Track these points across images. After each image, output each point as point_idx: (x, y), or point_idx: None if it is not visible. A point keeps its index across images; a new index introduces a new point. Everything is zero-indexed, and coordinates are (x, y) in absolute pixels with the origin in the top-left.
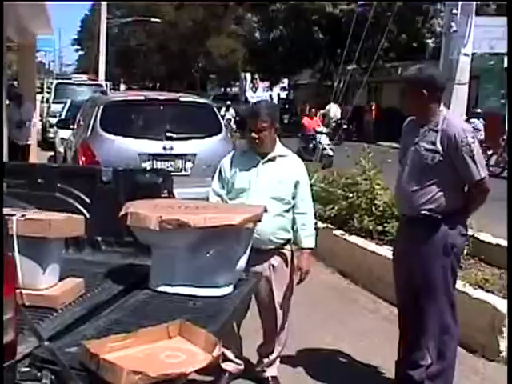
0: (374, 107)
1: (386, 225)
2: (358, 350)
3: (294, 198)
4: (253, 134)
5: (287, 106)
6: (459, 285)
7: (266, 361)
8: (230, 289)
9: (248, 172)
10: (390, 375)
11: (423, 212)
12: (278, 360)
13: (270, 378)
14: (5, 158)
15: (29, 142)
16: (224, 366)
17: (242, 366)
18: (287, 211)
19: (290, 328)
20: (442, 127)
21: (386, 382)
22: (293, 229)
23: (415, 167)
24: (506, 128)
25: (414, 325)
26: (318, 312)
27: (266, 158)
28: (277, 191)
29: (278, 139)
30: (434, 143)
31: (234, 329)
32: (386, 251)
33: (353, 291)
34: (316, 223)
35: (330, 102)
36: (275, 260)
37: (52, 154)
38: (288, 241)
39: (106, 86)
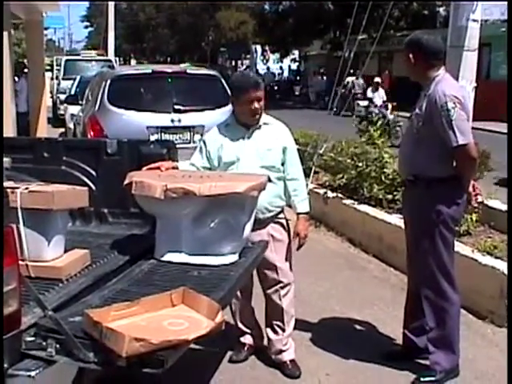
0: (385, 76)
1: (395, 193)
2: (367, 319)
3: (283, 165)
4: (255, 105)
5: (298, 78)
6: (468, 251)
7: (278, 339)
8: (235, 257)
9: (235, 144)
10: (399, 343)
11: (410, 178)
12: (291, 340)
13: (288, 362)
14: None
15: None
16: (242, 339)
17: (262, 340)
18: (279, 179)
19: (297, 296)
20: (429, 92)
21: (396, 349)
22: (285, 195)
23: (408, 133)
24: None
25: (413, 291)
26: (326, 281)
27: (252, 128)
28: (266, 159)
29: None
30: (420, 108)
31: (246, 300)
32: (396, 219)
33: (363, 260)
34: (326, 192)
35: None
36: (273, 229)
37: (63, 130)
38: (282, 208)
39: (116, 61)
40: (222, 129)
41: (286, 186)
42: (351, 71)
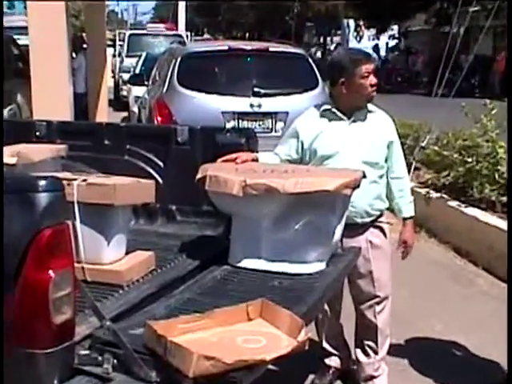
0: (501, 57)
1: None
2: (474, 342)
3: (386, 161)
4: (372, 78)
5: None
6: None
7: (370, 363)
8: (322, 265)
9: (335, 134)
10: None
11: None
12: (384, 364)
13: None
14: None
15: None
16: (327, 361)
17: (350, 363)
18: (381, 177)
19: (393, 314)
20: None
21: (504, 379)
22: (387, 197)
23: None
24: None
25: None
26: (427, 296)
27: (355, 117)
28: (369, 155)
29: None
30: None
31: (334, 316)
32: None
33: (470, 272)
34: (429, 192)
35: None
36: (372, 235)
37: (126, 114)
38: (383, 211)
39: (187, 36)
40: (319, 114)
41: (389, 185)
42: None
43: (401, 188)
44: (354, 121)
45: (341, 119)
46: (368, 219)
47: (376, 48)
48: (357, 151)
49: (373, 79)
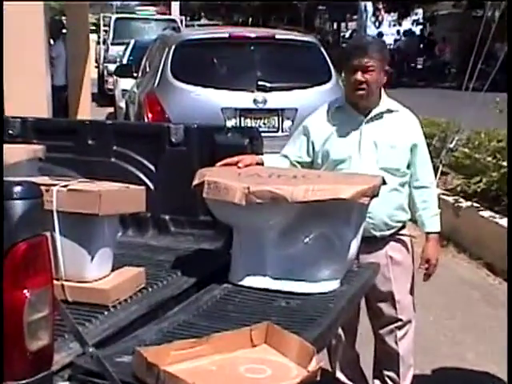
0: None
1: None
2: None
3: (409, 167)
4: (358, 76)
5: (421, 46)
6: None
7: None
8: (335, 284)
9: (348, 136)
10: None
11: None
12: None
13: None
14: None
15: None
16: None
17: None
18: (403, 185)
19: (416, 340)
20: None
21: None
22: (409, 207)
23: None
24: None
25: None
26: (455, 320)
27: (371, 115)
28: (388, 160)
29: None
30: None
31: (350, 342)
32: None
33: (504, 293)
34: (458, 200)
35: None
36: (392, 249)
37: (111, 110)
38: (405, 223)
39: (181, 21)
40: (332, 112)
41: (411, 195)
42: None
43: (425, 199)
44: (370, 120)
45: (355, 118)
46: (387, 232)
47: (398, 34)
48: (373, 155)
49: (358, 76)
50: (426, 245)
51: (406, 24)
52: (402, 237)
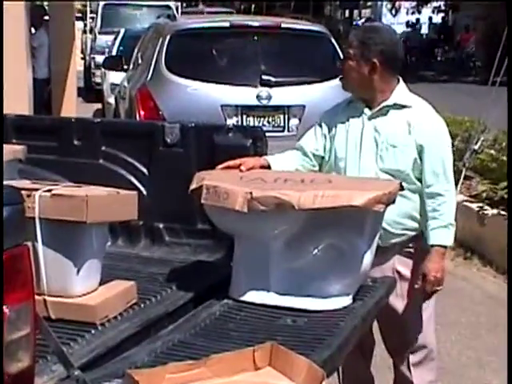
0: None
1: None
2: None
3: (420, 172)
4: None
5: (442, 36)
6: None
7: None
8: (347, 300)
9: (349, 132)
10: None
11: None
12: None
13: None
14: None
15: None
16: None
17: None
18: (413, 191)
19: (437, 362)
20: None
21: None
22: (420, 215)
23: None
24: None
25: None
26: (480, 340)
27: (374, 110)
28: (389, 161)
29: (403, 84)
30: None
31: (363, 364)
32: None
33: None
34: (483, 208)
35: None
36: (400, 262)
37: (99, 106)
38: (416, 234)
39: (177, 8)
40: (343, 106)
41: (422, 203)
42: None
43: (436, 207)
44: (373, 116)
45: (360, 113)
46: (391, 241)
47: (417, 24)
48: (373, 154)
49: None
50: (427, 257)
51: (426, 12)
52: (410, 249)
